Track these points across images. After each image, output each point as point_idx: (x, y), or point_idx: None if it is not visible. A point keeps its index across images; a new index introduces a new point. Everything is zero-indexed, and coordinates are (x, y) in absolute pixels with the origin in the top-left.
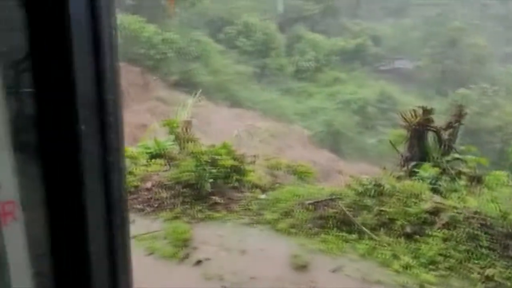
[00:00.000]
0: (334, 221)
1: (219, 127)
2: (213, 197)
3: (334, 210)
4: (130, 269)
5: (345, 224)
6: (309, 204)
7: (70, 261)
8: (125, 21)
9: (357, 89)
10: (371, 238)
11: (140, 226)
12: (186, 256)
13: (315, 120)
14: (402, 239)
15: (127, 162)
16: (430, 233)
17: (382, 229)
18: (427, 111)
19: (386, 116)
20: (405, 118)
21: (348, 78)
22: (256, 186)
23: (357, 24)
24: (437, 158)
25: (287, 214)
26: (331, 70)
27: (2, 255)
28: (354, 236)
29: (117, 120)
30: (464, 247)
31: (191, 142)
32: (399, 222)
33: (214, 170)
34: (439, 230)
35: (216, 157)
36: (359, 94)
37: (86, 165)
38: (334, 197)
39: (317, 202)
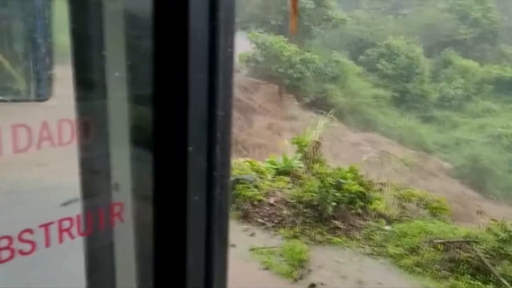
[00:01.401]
0: (467, 266)
1: (349, 150)
2: (334, 221)
3: (469, 254)
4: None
5: (480, 272)
6: (439, 243)
7: (169, 265)
8: (268, 40)
9: (511, 122)
10: None
11: (259, 240)
12: (300, 277)
13: (458, 153)
14: None
15: (255, 176)
16: None
17: None
18: None
19: None
20: None
21: (501, 110)
22: (381, 216)
23: None
24: None
25: (413, 250)
26: (481, 99)
27: (109, 255)
28: (490, 287)
29: (225, 136)
30: None
31: (318, 162)
32: None
33: (338, 194)
34: None
35: (342, 180)
36: None
37: (191, 177)
38: (469, 239)
39: (449, 242)
